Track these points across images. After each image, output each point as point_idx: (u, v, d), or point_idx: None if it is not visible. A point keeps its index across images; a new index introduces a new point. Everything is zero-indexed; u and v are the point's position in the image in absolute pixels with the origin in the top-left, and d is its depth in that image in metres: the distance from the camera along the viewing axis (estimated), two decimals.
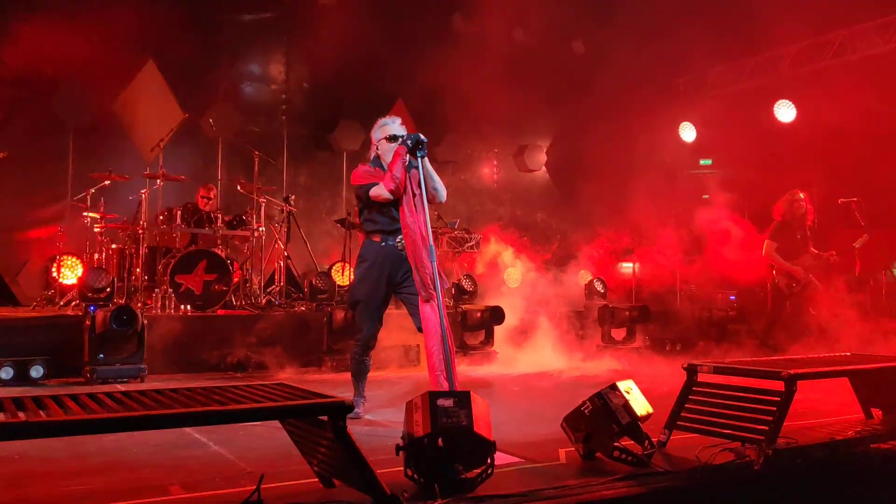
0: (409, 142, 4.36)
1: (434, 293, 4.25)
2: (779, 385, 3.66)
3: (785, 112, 10.94)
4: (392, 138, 4.57)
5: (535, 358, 8.06)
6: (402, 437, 3.17)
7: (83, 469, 3.49)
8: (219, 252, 8.21)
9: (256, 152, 9.18)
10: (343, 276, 9.49)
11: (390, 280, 4.67)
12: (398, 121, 4.70)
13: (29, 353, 6.25)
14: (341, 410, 2.58)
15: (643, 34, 10.89)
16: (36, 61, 9.44)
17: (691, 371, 4.03)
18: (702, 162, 12.02)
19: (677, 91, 12.85)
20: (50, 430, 2.20)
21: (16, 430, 2.15)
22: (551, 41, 12.10)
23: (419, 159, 4.31)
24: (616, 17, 11.02)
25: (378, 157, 4.73)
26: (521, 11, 12.56)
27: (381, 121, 4.74)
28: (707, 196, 11.36)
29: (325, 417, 2.67)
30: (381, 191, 4.56)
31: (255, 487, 2.81)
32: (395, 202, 4.56)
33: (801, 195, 8.39)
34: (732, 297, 10.40)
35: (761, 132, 11.20)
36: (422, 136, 4.34)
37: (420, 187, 4.28)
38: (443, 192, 4.68)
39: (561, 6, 11.30)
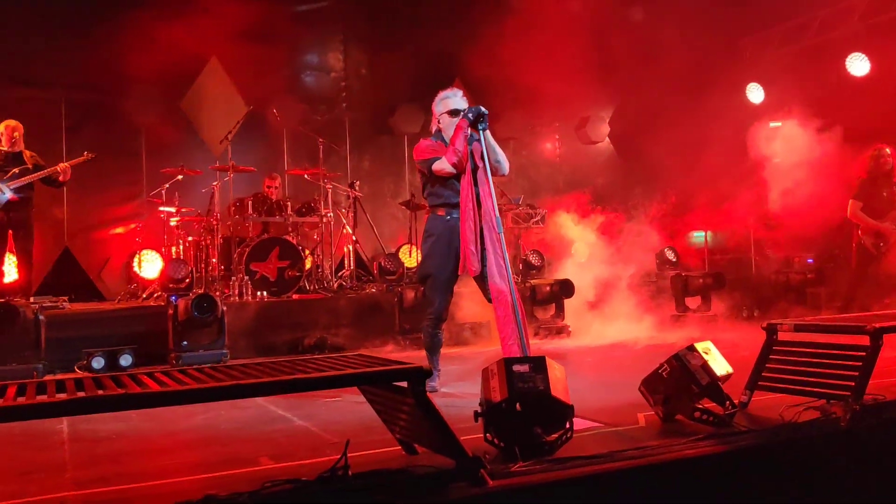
0: (469, 115, 4.36)
1: (504, 264, 4.27)
2: (863, 340, 3.55)
3: (858, 65, 10.47)
4: (453, 112, 4.58)
5: (607, 330, 7.99)
6: (479, 405, 3.20)
7: (176, 445, 3.65)
8: (290, 239, 8.40)
9: (321, 140, 9.32)
10: (411, 258, 9.59)
11: (457, 253, 4.70)
12: (459, 93, 4.69)
13: (117, 343, 6.54)
14: (420, 375, 2.62)
15: None
16: (106, 65, 9.80)
17: (771, 330, 3.94)
18: (771, 124, 11.63)
19: (743, 52, 12.44)
20: (155, 400, 2.33)
21: (126, 400, 2.27)
22: (609, 9, 11.87)
23: (481, 132, 4.31)
24: None
25: (440, 130, 4.74)
26: None
27: (442, 94, 4.73)
28: (778, 159, 11.00)
29: (404, 384, 2.72)
30: (443, 165, 4.58)
31: (339, 456, 2.88)
32: (459, 176, 4.59)
33: (888, 150, 8.04)
34: (810, 261, 10.09)
35: (833, 88, 10.77)
36: (482, 109, 4.34)
37: (483, 160, 4.28)
38: (505, 165, 4.67)
39: None
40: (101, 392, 2.36)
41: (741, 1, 10.54)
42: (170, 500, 2.49)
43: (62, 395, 2.35)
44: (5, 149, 7.43)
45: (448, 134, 4.61)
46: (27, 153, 7.53)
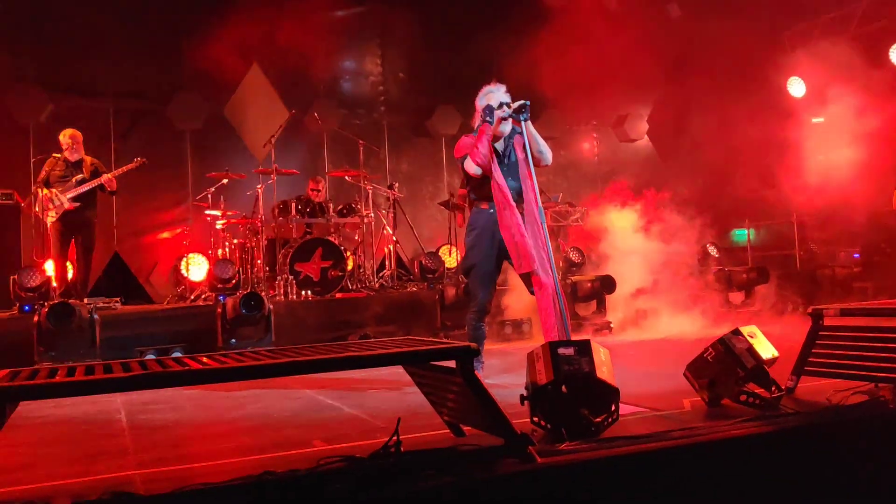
0: (489, 118, 4.48)
1: (546, 255, 4.32)
2: None
3: None
4: (495, 107, 4.64)
5: (650, 326, 7.97)
6: (525, 388, 3.25)
7: (232, 431, 3.77)
8: (333, 240, 8.54)
9: (361, 142, 9.47)
10: (451, 258, 9.67)
11: (501, 245, 4.75)
12: (502, 88, 4.73)
13: (169, 341, 6.76)
14: (468, 354, 2.69)
15: None
16: (153, 74, 10.10)
17: (817, 315, 3.93)
18: (814, 120, 11.47)
19: (784, 45, 12.30)
20: (219, 375, 2.45)
21: (198, 375, 2.39)
22: (646, 5, 11.85)
23: (522, 123, 4.37)
24: None
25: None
26: None
27: (486, 88, 4.78)
28: (821, 153, 10.84)
29: (452, 365, 2.79)
30: (469, 165, 4.68)
31: (389, 437, 2.96)
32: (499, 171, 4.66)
33: None
34: (856, 255, 9.94)
35: (876, 80, 10.58)
36: (525, 102, 4.40)
37: (525, 151, 4.33)
38: (548, 155, 4.71)
39: None
40: (177, 368, 2.47)
41: None
42: (229, 478, 2.60)
43: (134, 371, 2.47)
44: (66, 156, 7.69)
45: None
46: (87, 160, 7.79)
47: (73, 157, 7.68)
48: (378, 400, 4.37)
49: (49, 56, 9.56)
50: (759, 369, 3.51)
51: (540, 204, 4.32)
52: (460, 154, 4.81)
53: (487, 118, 4.58)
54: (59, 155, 7.70)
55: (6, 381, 2.40)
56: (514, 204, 4.56)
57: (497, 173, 4.62)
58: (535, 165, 4.42)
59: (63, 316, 6.15)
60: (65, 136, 7.72)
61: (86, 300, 7.26)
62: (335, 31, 11.53)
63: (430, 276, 8.65)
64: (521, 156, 4.54)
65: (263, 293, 7.94)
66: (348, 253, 8.76)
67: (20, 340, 6.33)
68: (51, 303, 6.39)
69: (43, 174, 7.63)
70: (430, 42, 11.75)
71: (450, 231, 9.98)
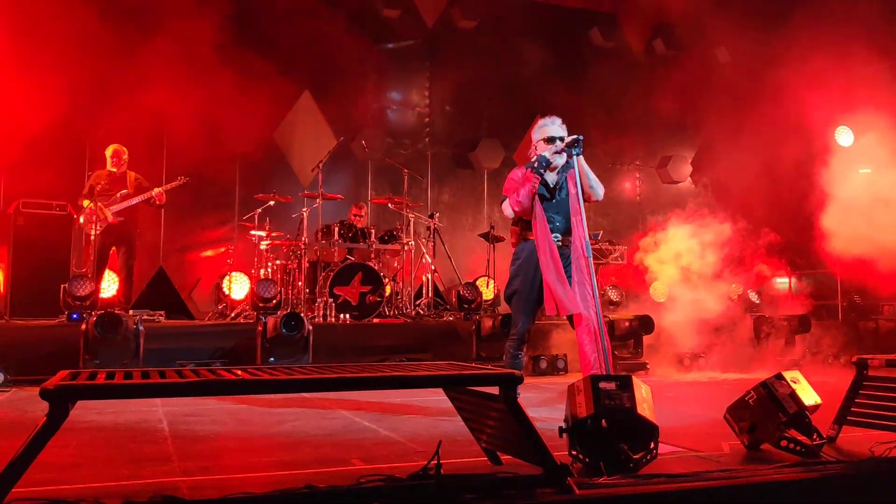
0: (541, 170, 4.56)
1: (590, 290, 4.35)
2: None
3: None
4: (550, 140, 4.71)
5: (687, 368, 7.90)
6: (564, 421, 3.26)
7: (271, 446, 3.84)
8: (372, 265, 8.65)
9: (406, 171, 9.61)
10: (488, 290, 9.70)
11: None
12: (558, 121, 4.77)
13: (209, 357, 6.89)
14: (512, 380, 2.73)
15: (792, 34, 10.50)
16: (206, 97, 10.38)
17: (861, 365, 3.89)
18: (861, 171, 11.34)
19: (831, 93, 12.22)
20: (281, 386, 2.51)
21: (246, 385, 2.45)
22: (693, 49, 11.91)
23: (575, 157, 4.43)
24: (759, 20, 10.72)
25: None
26: (661, 22, 12.46)
27: (541, 121, 4.82)
28: (867, 204, 10.69)
29: (494, 391, 2.83)
30: (506, 208, 4.79)
31: (426, 461, 2.99)
32: (549, 204, 4.71)
33: None
34: None
35: None
36: (577, 136, 4.47)
37: (577, 186, 4.38)
38: (599, 190, 4.75)
39: (703, 14, 11.12)
40: (226, 376, 2.55)
41: (831, 40, 10.38)
42: (272, 489, 2.65)
43: (195, 377, 2.55)
44: (111, 171, 7.98)
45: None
46: (131, 175, 8.07)
47: (118, 172, 7.96)
48: (413, 424, 4.40)
49: (108, 76, 9.88)
50: (800, 415, 3.48)
51: (587, 238, 4.36)
52: (506, 193, 4.88)
53: (539, 169, 4.63)
54: (104, 170, 8.00)
55: (67, 381, 2.50)
56: (555, 247, 4.61)
57: (540, 217, 4.66)
58: (585, 200, 4.47)
59: (110, 325, 6.32)
60: (109, 151, 8.03)
61: (130, 312, 7.44)
62: (385, 62, 11.79)
63: (467, 306, 8.69)
64: (572, 190, 4.59)
65: (303, 314, 8.07)
66: (387, 279, 8.86)
67: (67, 347, 6.50)
68: (99, 312, 6.56)
69: (87, 187, 7.91)
70: (477, 76, 11.94)
71: (488, 263, 10.03)
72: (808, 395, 3.53)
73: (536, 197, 4.70)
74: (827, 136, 11.65)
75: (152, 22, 9.47)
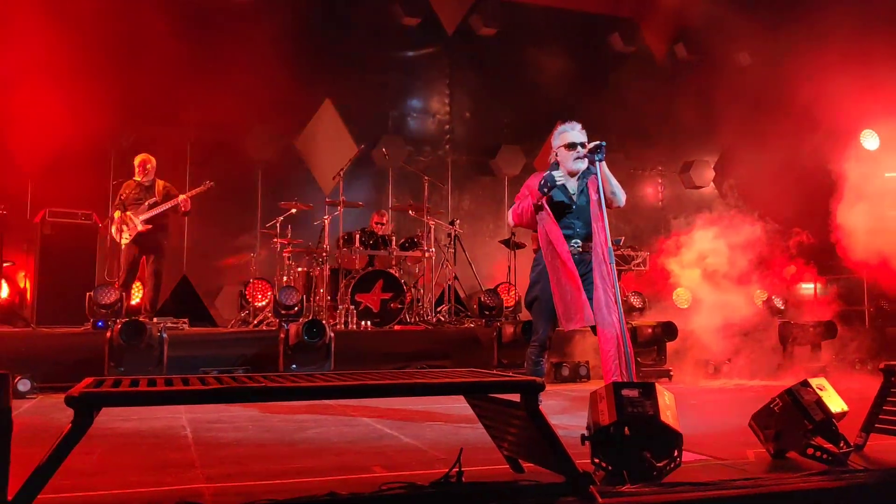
0: (546, 189, 4.55)
1: (613, 296, 4.33)
2: None
3: None
4: (570, 146, 4.69)
5: (712, 374, 7.82)
6: (587, 429, 3.24)
7: (293, 453, 3.85)
8: (394, 272, 8.67)
9: (427, 178, 9.63)
10: (509, 296, 9.68)
11: None
12: (577, 127, 4.73)
13: (232, 363, 6.93)
14: (534, 388, 2.72)
15: (814, 37, 10.40)
16: (229, 107, 10.47)
17: (889, 371, 3.83)
18: (887, 175, 11.19)
19: (856, 96, 12.08)
20: (290, 393, 2.52)
21: (271, 392, 2.47)
22: (716, 53, 11.83)
23: (597, 163, 4.40)
24: (781, 23, 10.62)
25: (557, 163, 4.86)
26: (682, 26, 12.40)
27: (561, 127, 4.79)
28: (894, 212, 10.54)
29: (516, 398, 2.82)
30: (509, 216, 4.83)
31: (449, 468, 2.99)
32: (566, 211, 4.69)
33: None
34: None
35: None
36: (600, 142, 4.45)
37: (598, 192, 4.36)
38: (621, 196, 4.70)
39: (724, 18, 11.06)
40: (248, 383, 2.56)
41: (856, 42, 10.28)
42: (295, 496, 2.66)
43: (222, 384, 2.57)
44: (140, 180, 8.10)
45: (565, 167, 4.72)
46: (160, 183, 8.18)
47: (146, 181, 8.08)
48: (434, 432, 4.40)
49: (134, 86, 10.00)
50: (827, 423, 3.43)
51: (610, 244, 4.33)
52: (517, 200, 4.88)
53: (543, 188, 4.59)
54: (132, 180, 8.12)
55: (92, 388, 2.53)
56: (566, 258, 4.58)
57: (549, 229, 4.65)
58: (607, 206, 4.43)
59: (135, 333, 6.38)
60: (137, 161, 8.15)
61: (155, 319, 7.52)
62: (406, 70, 11.86)
63: (489, 312, 8.67)
64: (594, 197, 4.57)
65: (325, 321, 8.10)
66: (408, 286, 8.87)
67: (92, 355, 6.57)
68: (124, 320, 6.63)
69: (118, 199, 8.03)
70: (497, 83, 11.96)
71: (509, 270, 10.01)
72: (835, 403, 3.47)
73: (548, 210, 4.67)
74: (852, 140, 11.51)
75: (177, 33, 9.58)
